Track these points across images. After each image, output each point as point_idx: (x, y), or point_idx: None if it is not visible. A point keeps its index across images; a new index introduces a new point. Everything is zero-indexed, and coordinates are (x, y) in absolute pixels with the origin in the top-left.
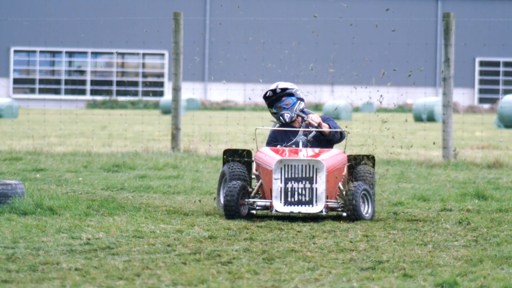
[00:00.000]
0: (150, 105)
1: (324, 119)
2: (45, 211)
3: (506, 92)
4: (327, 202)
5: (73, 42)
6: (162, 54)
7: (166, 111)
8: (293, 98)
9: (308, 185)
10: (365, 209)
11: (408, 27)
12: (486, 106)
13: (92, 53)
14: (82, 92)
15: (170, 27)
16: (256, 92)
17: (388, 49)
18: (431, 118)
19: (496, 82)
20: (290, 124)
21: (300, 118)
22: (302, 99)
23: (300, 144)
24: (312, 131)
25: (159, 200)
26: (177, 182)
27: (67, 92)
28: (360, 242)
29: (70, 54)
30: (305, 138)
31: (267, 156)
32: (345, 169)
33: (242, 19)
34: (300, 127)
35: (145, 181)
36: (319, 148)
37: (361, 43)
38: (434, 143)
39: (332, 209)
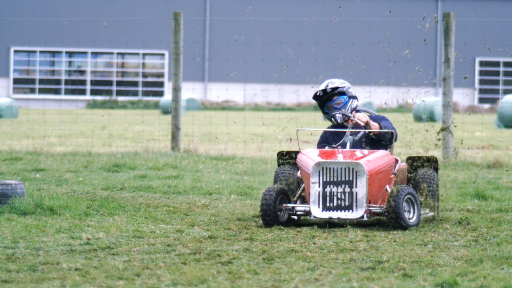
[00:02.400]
0: (150, 105)
1: (376, 118)
2: (45, 211)
3: (506, 92)
4: (369, 207)
5: (73, 42)
6: (162, 54)
7: (166, 111)
8: (345, 96)
9: (347, 189)
10: (410, 215)
11: (408, 27)
12: (486, 106)
13: (92, 53)
14: (82, 92)
15: (170, 27)
16: (256, 92)
17: (388, 49)
18: (431, 118)
19: (496, 82)
20: (343, 124)
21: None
22: (355, 97)
23: (348, 145)
24: (359, 131)
25: (159, 200)
26: (177, 182)
27: (67, 92)
28: (360, 242)
29: (70, 54)
30: (353, 138)
31: (307, 158)
32: (396, 171)
33: (242, 19)
34: (350, 127)
35: (145, 181)
36: (368, 150)
37: (361, 43)
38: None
39: (376, 214)
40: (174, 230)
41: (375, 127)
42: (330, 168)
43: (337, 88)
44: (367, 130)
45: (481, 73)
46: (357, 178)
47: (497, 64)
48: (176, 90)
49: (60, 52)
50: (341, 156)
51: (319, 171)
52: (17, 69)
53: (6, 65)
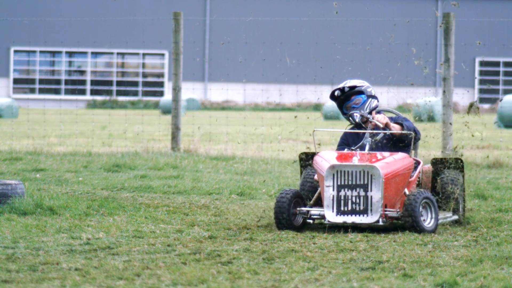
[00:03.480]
0: (150, 105)
1: (398, 120)
2: (45, 211)
3: (506, 92)
4: (386, 211)
5: (73, 42)
6: (162, 54)
7: (166, 111)
8: (363, 96)
9: (362, 193)
10: (427, 220)
11: (408, 27)
12: (486, 106)
13: (92, 53)
14: (82, 92)
15: (170, 27)
16: (256, 92)
17: (388, 49)
18: (431, 118)
19: (496, 82)
20: (362, 124)
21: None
22: (374, 97)
23: (367, 147)
24: (379, 133)
25: (159, 200)
26: (177, 182)
27: (67, 92)
28: (360, 242)
29: (70, 54)
30: (372, 140)
31: (323, 160)
32: (416, 175)
33: (242, 19)
34: (369, 128)
35: (145, 181)
36: (388, 152)
37: (361, 43)
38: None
39: (392, 219)
40: (174, 230)
41: (395, 128)
42: (344, 171)
43: (355, 87)
44: (387, 132)
45: (481, 73)
46: (372, 182)
47: (497, 64)
48: (176, 90)
49: (60, 52)
50: (356, 159)
51: (334, 174)
52: (17, 69)
53: (6, 65)
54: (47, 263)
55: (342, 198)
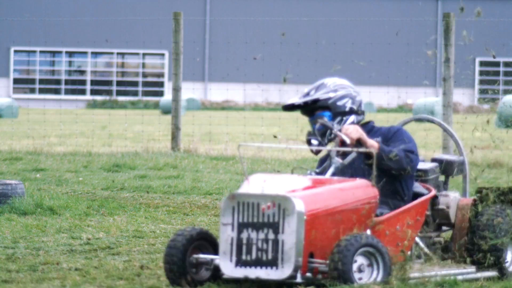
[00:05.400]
0: (150, 105)
1: (392, 136)
2: (45, 211)
3: (506, 92)
4: (311, 262)
5: (73, 42)
6: (162, 54)
7: (166, 111)
8: (327, 114)
9: (271, 236)
10: (372, 276)
11: (408, 27)
12: (486, 106)
13: (92, 53)
14: (82, 92)
15: (170, 27)
16: (256, 92)
17: (389, 49)
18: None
19: (496, 82)
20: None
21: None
22: (349, 112)
23: (330, 170)
24: (352, 153)
25: (159, 200)
26: (177, 182)
27: (67, 92)
28: None
29: (70, 54)
30: (340, 162)
31: (245, 186)
32: (400, 212)
33: (242, 19)
34: (335, 145)
35: (145, 181)
36: (347, 178)
37: (362, 43)
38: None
39: (323, 273)
40: (174, 230)
41: (372, 146)
42: (248, 204)
43: (318, 100)
44: (349, 149)
45: (481, 73)
46: (284, 220)
47: (497, 64)
48: (176, 90)
49: (60, 52)
50: (267, 186)
51: (233, 208)
52: (17, 69)
53: (6, 65)
54: (47, 263)
55: (245, 242)
